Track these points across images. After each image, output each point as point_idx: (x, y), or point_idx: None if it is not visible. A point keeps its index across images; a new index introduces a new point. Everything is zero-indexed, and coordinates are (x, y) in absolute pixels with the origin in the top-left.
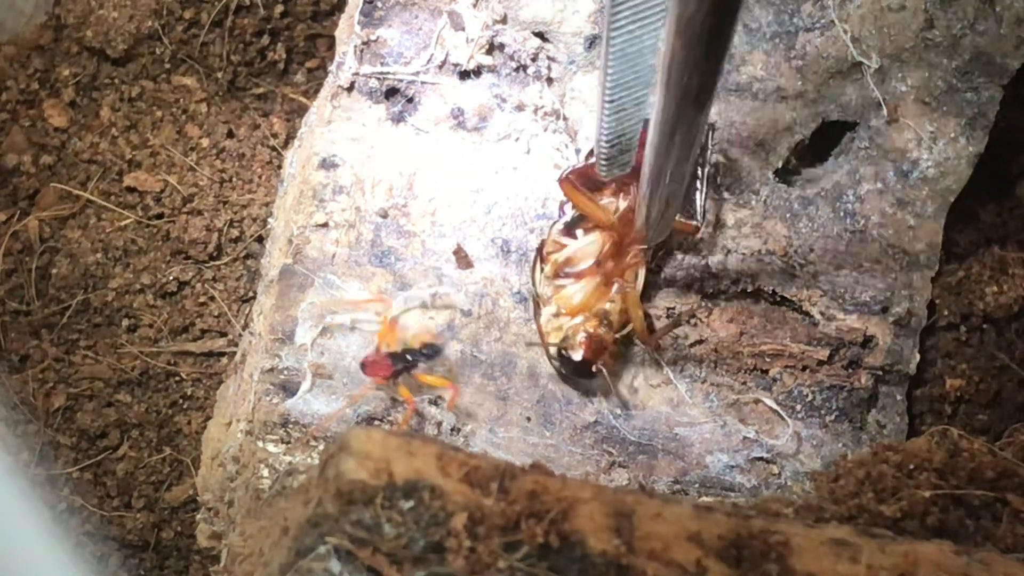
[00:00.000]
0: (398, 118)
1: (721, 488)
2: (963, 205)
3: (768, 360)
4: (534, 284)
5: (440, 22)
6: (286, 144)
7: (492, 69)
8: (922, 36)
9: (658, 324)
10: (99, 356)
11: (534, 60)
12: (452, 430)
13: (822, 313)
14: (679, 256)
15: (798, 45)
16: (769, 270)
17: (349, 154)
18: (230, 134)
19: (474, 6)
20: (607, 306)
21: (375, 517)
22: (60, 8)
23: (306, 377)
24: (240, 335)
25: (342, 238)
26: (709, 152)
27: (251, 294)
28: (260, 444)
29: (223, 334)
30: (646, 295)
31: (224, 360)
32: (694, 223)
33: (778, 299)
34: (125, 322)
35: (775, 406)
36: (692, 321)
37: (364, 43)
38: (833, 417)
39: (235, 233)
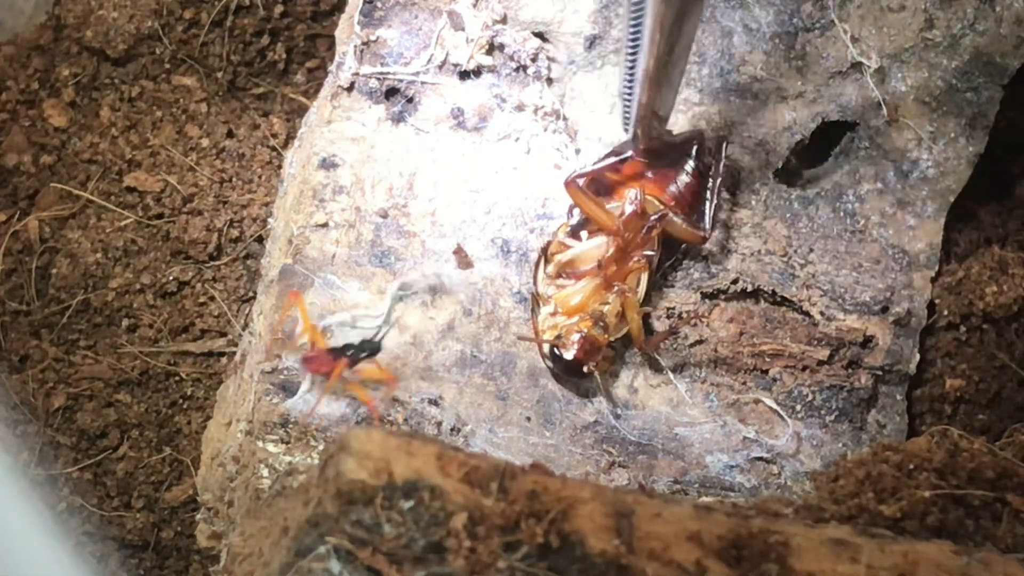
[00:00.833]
0: (398, 118)
1: (721, 488)
2: (963, 205)
3: (768, 360)
4: (535, 283)
5: (440, 22)
6: (286, 144)
7: (492, 69)
8: (922, 36)
9: (657, 324)
10: (99, 356)
11: (534, 60)
12: (452, 430)
13: (822, 313)
14: (680, 257)
15: (798, 45)
16: (769, 270)
17: (349, 154)
18: (230, 134)
19: (474, 6)
20: (604, 308)
21: (375, 517)
22: (60, 8)
23: (306, 377)
24: (240, 335)
25: (342, 238)
26: (719, 164)
27: (251, 294)
28: (260, 444)
29: (223, 334)
30: (647, 297)
31: (224, 360)
32: (702, 233)
33: (778, 299)
34: (125, 322)
35: (775, 406)
36: (692, 321)
37: (364, 43)
38: (833, 417)
39: (235, 233)
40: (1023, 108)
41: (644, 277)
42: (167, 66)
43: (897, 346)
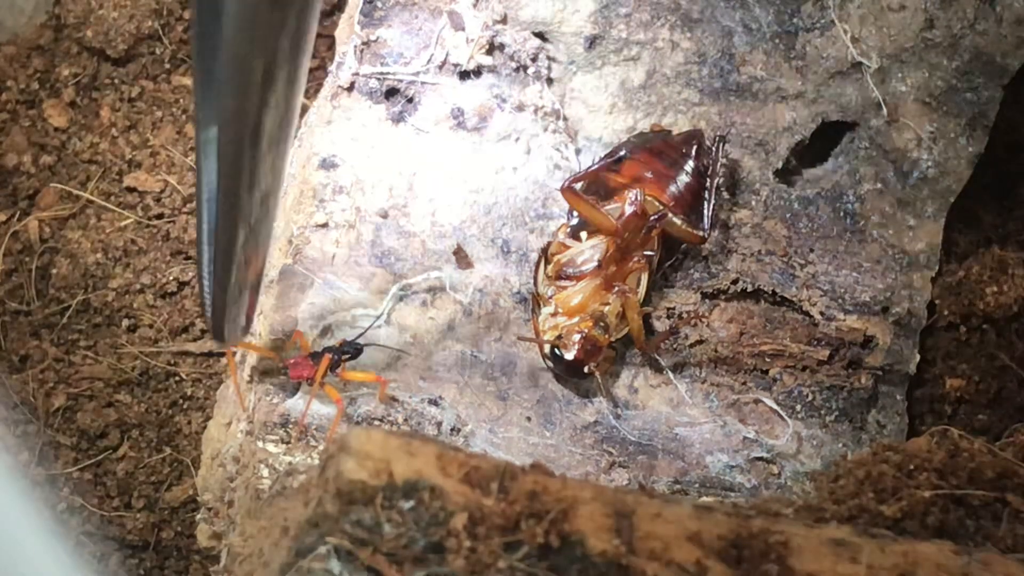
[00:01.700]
0: (398, 118)
1: (721, 488)
2: (963, 205)
3: (768, 360)
4: (536, 283)
5: (440, 22)
6: None
7: (492, 69)
8: (922, 36)
9: (658, 324)
10: (99, 356)
11: (534, 60)
12: (452, 430)
13: (822, 313)
14: (680, 257)
15: (798, 45)
16: (769, 270)
17: (349, 154)
18: None
19: (474, 6)
20: (605, 309)
21: (375, 517)
22: (60, 8)
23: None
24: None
25: (342, 238)
26: (718, 163)
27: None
28: (260, 444)
29: None
30: (647, 297)
31: (224, 360)
32: (701, 233)
33: (778, 299)
34: (125, 322)
35: (775, 406)
36: (692, 321)
37: (364, 43)
38: (833, 417)
39: None
40: (1023, 108)
41: (644, 277)
42: (167, 66)
43: (897, 346)
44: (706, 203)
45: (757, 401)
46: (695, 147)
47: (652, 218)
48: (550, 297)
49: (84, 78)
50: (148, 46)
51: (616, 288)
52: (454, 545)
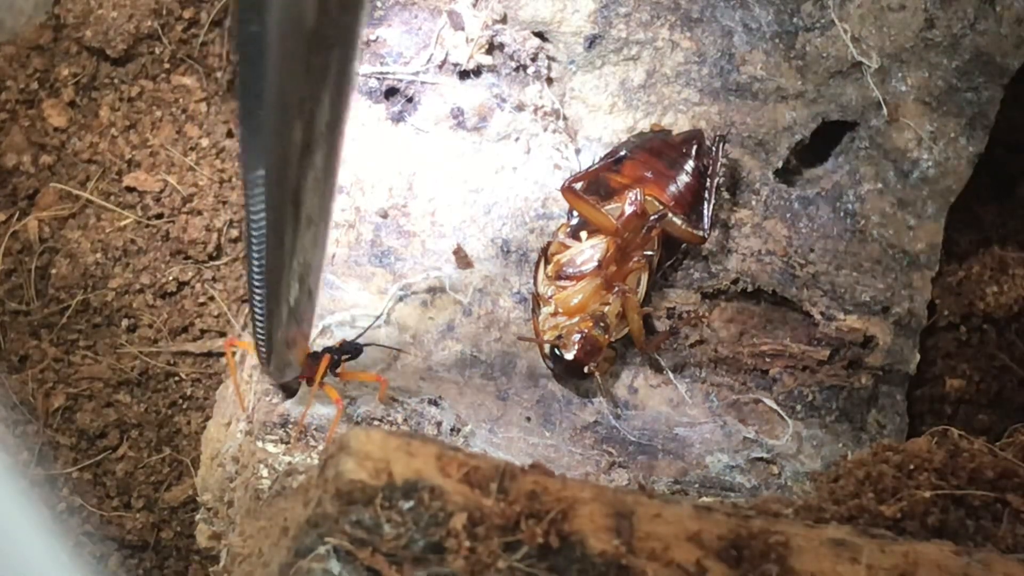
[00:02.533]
0: (398, 118)
1: (721, 488)
2: (963, 205)
3: (768, 360)
4: (536, 283)
5: (440, 22)
6: None
7: (492, 69)
8: (922, 36)
9: (658, 324)
10: (99, 356)
11: (534, 60)
12: (452, 430)
13: (822, 313)
14: (680, 257)
15: (798, 45)
16: (769, 270)
17: (349, 154)
18: (230, 134)
19: (474, 6)
20: (605, 309)
21: (375, 517)
22: (60, 8)
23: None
24: (240, 335)
25: (342, 238)
26: (718, 163)
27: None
28: (260, 444)
29: (223, 334)
30: (647, 297)
31: (224, 360)
32: (701, 233)
33: (778, 299)
34: (125, 322)
35: (775, 406)
36: (692, 321)
37: (364, 43)
38: (833, 417)
39: (235, 233)
40: (1023, 108)
41: (644, 277)
42: (167, 66)
43: (897, 346)
44: (706, 203)
45: (757, 401)
46: (695, 147)
47: (652, 218)
48: (550, 297)
49: (84, 78)
50: (148, 46)
51: (616, 288)
52: (454, 545)
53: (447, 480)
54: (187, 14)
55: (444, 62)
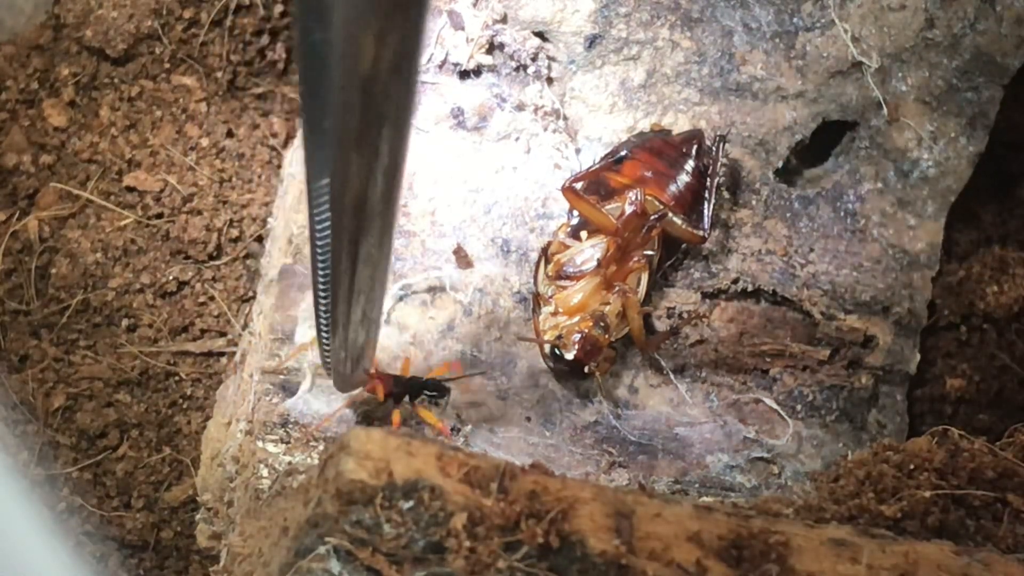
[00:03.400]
0: None
1: (721, 488)
2: (963, 205)
3: (768, 360)
4: (536, 283)
5: (440, 22)
6: (286, 144)
7: (492, 69)
8: (922, 36)
9: (658, 324)
10: (99, 356)
11: (534, 60)
12: (452, 430)
13: (823, 313)
14: (680, 257)
15: (798, 45)
16: (769, 270)
17: None
18: (230, 134)
19: (474, 6)
20: (605, 308)
21: (375, 517)
22: (60, 7)
23: (306, 377)
24: (240, 335)
25: None
26: (718, 163)
27: (251, 294)
28: (260, 444)
29: (223, 334)
30: (647, 297)
31: (224, 360)
32: (701, 233)
33: (779, 299)
34: (125, 322)
35: (775, 406)
36: (693, 321)
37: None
38: (833, 417)
39: (235, 233)
40: (1023, 108)
41: (644, 277)
42: (167, 66)
43: (897, 346)
44: (706, 203)
45: (757, 401)
46: (695, 147)
47: (652, 218)
48: (550, 297)
49: (84, 78)
50: (148, 46)
51: (616, 288)
52: (454, 545)
53: (447, 480)
54: (187, 14)
55: (444, 62)
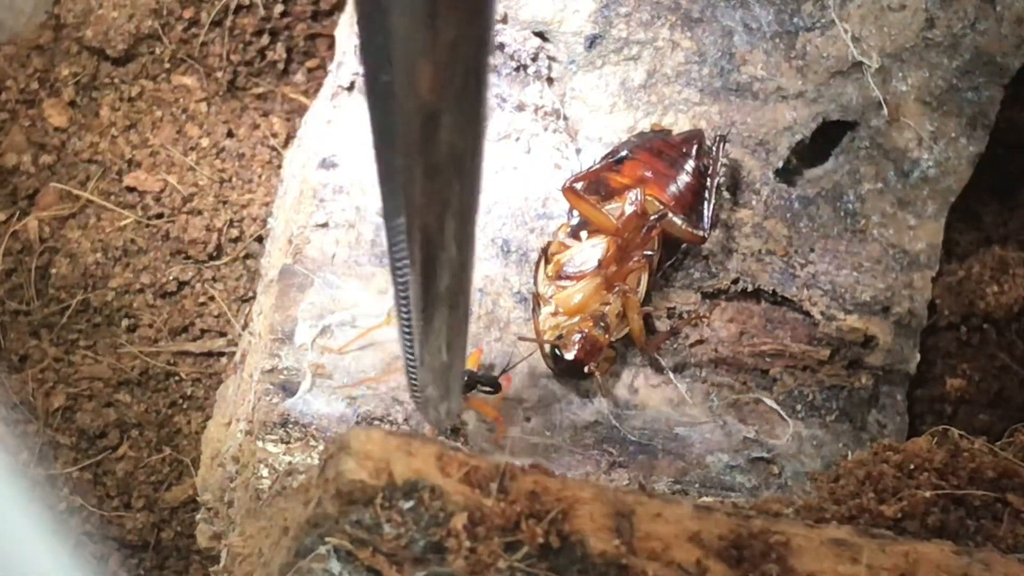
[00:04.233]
0: None
1: (721, 488)
2: (963, 205)
3: (768, 360)
4: (536, 283)
5: None
6: (286, 144)
7: (492, 69)
8: (923, 36)
9: (658, 324)
10: (99, 356)
11: (534, 60)
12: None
13: (822, 313)
14: (680, 257)
15: (798, 45)
16: (769, 270)
17: (349, 154)
18: (230, 134)
19: None
20: (605, 309)
21: (375, 517)
22: (60, 8)
23: (306, 377)
24: (240, 335)
25: (342, 238)
26: (718, 163)
27: (251, 294)
28: (260, 444)
29: (223, 334)
30: (647, 297)
31: (224, 360)
32: (701, 233)
33: (778, 299)
34: (125, 322)
35: (775, 406)
36: (693, 321)
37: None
38: (834, 417)
39: (235, 233)
40: (1023, 108)
41: (644, 277)
42: (167, 66)
43: (897, 346)
44: (706, 203)
45: (757, 401)
46: (695, 147)
47: (652, 218)
48: (550, 297)
49: (84, 78)
50: (148, 46)
51: (616, 288)
52: (454, 545)
53: (447, 480)
54: (187, 14)
55: None
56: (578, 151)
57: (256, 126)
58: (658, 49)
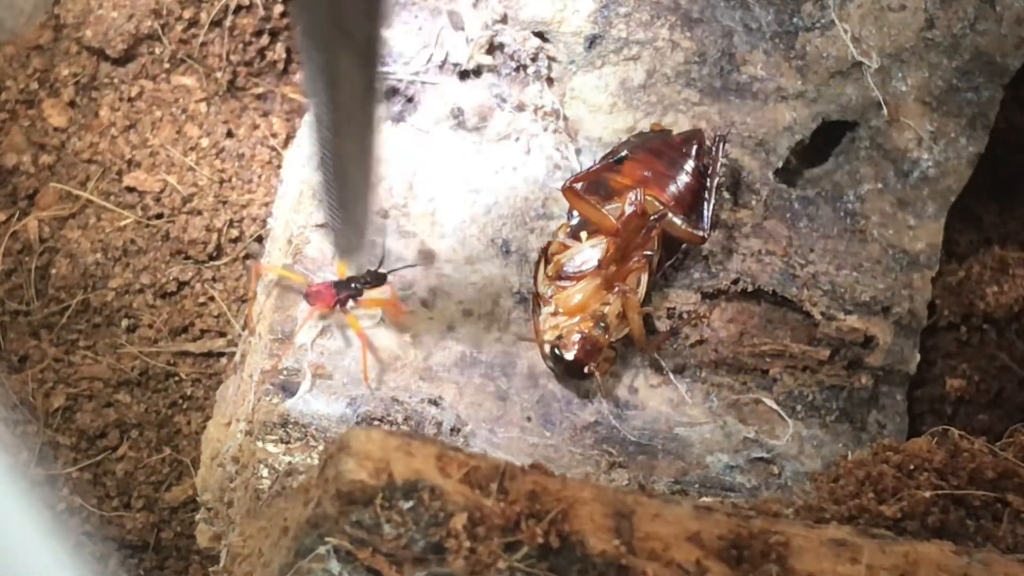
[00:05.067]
0: (398, 118)
1: (721, 488)
2: (963, 205)
3: (768, 360)
4: (536, 283)
5: (440, 22)
6: (286, 144)
7: (492, 69)
8: (922, 36)
9: (658, 324)
10: (99, 356)
11: (534, 60)
12: (452, 430)
13: (822, 313)
14: (680, 257)
15: (798, 45)
16: (769, 270)
17: None
18: (230, 134)
19: (474, 6)
20: (605, 309)
21: (375, 517)
22: (60, 7)
23: (306, 377)
24: (240, 335)
25: None
26: (718, 163)
27: (251, 294)
28: (260, 444)
29: (223, 334)
30: (647, 297)
31: (224, 360)
32: (701, 233)
33: (778, 299)
34: (125, 322)
35: (775, 406)
36: (693, 322)
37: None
38: (833, 417)
39: (235, 233)
40: (1023, 108)
41: (644, 277)
42: (167, 66)
43: (897, 346)
44: (706, 203)
45: (757, 401)
46: (695, 147)
47: (652, 218)
48: (550, 297)
49: (83, 78)
50: (148, 46)
51: (616, 288)
52: (454, 545)
53: (447, 480)
54: (187, 14)
55: (444, 62)
56: (578, 151)
57: (256, 126)
58: (658, 49)
